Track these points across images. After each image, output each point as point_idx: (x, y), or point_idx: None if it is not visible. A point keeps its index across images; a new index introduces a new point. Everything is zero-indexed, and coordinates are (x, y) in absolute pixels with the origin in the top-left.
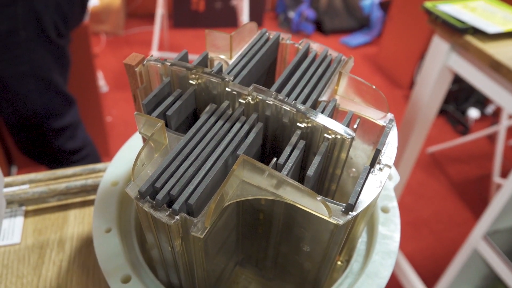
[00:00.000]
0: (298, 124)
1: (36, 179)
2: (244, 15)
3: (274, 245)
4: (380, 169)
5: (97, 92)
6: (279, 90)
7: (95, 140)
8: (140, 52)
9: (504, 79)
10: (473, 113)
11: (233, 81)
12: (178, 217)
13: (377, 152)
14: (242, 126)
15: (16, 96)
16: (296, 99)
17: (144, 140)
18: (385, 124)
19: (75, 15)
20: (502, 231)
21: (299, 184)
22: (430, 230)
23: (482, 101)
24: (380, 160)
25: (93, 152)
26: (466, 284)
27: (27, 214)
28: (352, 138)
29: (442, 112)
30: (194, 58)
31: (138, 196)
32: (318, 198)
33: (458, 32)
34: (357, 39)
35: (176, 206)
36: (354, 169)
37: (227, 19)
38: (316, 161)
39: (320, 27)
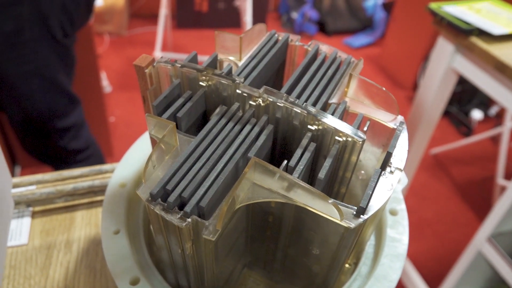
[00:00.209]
0: (309, 126)
1: (43, 180)
2: (247, 16)
3: (282, 248)
4: (391, 172)
5: (101, 92)
6: (289, 92)
7: (98, 140)
8: (143, 52)
9: (509, 80)
10: (477, 114)
11: (243, 82)
12: (189, 219)
13: (389, 155)
14: (252, 128)
15: (21, 95)
16: (306, 101)
17: (154, 141)
18: (395, 127)
19: (80, 15)
20: (507, 233)
21: (310, 186)
22: (433, 231)
23: (485, 103)
24: (391, 163)
25: (96, 152)
26: (470, 286)
27: (34, 215)
28: (363, 141)
29: (446, 113)
30: (199, 58)
31: (150, 198)
32: (329, 201)
33: (463, 34)
34: (360, 40)
35: (187, 208)
36: (363, 172)
37: (230, 19)
38: (327, 163)
39: (323, 28)
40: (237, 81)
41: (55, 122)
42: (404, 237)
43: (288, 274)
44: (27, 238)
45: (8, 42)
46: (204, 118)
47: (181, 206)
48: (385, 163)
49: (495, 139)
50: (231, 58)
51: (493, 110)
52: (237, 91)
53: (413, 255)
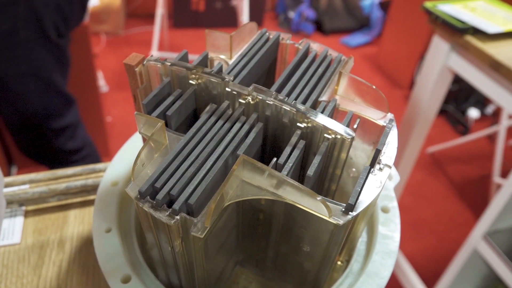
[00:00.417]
0: (298, 124)
1: (36, 179)
2: (244, 15)
3: (274, 245)
4: (380, 169)
5: (97, 92)
6: (279, 90)
7: (95, 140)
8: (140, 52)
9: (504, 79)
10: (473, 113)
11: (233, 81)
12: (178, 217)
13: (377, 152)
14: (242, 126)
15: (16, 96)
16: (296, 99)
17: (144, 140)
18: (385, 124)
19: (75, 15)
20: (502, 231)
21: (299, 184)
22: (430, 230)
23: (482, 101)
24: (380, 160)
25: (93, 152)
26: (466, 284)
27: (27, 214)
28: (352, 138)
29: (442, 112)
30: (194, 58)
31: (138, 196)
32: (318, 198)
33: (458, 32)
34: (357, 39)
35: (176, 206)
36: (354, 169)
37: (227, 19)
38: (316, 161)
39: (320, 27)
40: (227, 79)
41: (51, 123)
42: (396, 234)
43: (280, 271)
44: (20, 237)
45: (3, 42)
46: (194, 116)
47: (170, 204)
48: (374, 160)
49: (492, 138)
50: (222, 56)
51: (490, 109)
52: (227, 89)
53: (410, 254)
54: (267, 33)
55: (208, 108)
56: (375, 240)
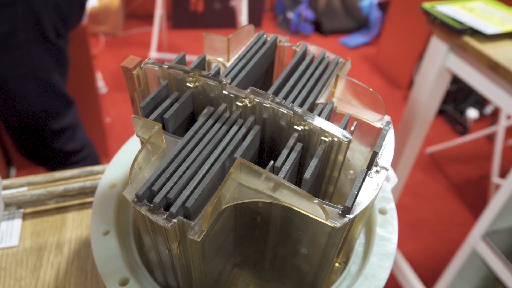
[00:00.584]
0: (295, 127)
1: (34, 181)
2: (243, 16)
3: (271, 247)
4: (377, 171)
5: (96, 93)
6: (276, 93)
7: (94, 141)
8: (139, 53)
9: (502, 79)
10: (472, 113)
11: (230, 84)
12: (175, 220)
13: (374, 155)
14: (239, 129)
15: (15, 97)
16: (293, 101)
17: (142, 143)
18: (382, 127)
19: (74, 16)
20: (501, 231)
21: (296, 187)
22: (429, 230)
23: (480, 101)
24: (377, 162)
25: (92, 153)
26: (465, 285)
27: (25, 216)
28: (349, 141)
29: (441, 112)
30: (193, 58)
31: (136, 199)
32: (315, 201)
33: (456, 33)
34: (356, 39)
35: (173, 209)
36: (351, 171)
37: (226, 19)
38: (313, 163)
39: (319, 28)
40: (224, 82)
41: (50, 124)
42: (394, 236)
43: (278, 274)
44: (18, 239)
45: (2, 44)
46: (192, 119)
47: (167, 207)
48: (371, 163)
49: (491, 138)
50: (219, 59)
51: (489, 109)
52: (224, 92)
53: (409, 254)
54: (265, 35)
55: (205, 111)
56: (373, 241)
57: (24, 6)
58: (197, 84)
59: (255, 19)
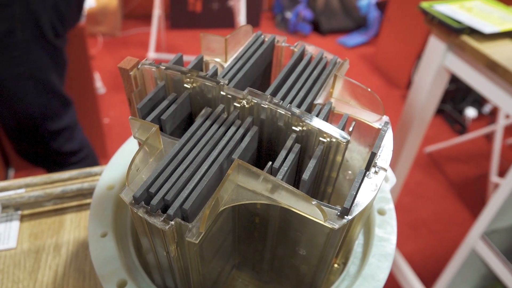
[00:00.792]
0: (293, 127)
1: (32, 183)
2: (241, 16)
3: (270, 249)
4: (376, 172)
5: (94, 94)
6: (274, 93)
7: (92, 142)
8: (137, 53)
9: (501, 79)
10: (471, 112)
11: (228, 84)
12: (172, 222)
13: (373, 155)
14: (237, 130)
15: (13, 98)
16: (291, 102)
17: (140, 144)
18: (380, 127)
19: (72, 15)
20: (500, 230)
21: (294, 188)
22: (428, 230)
23: (479, 101)
24: (376, 163)
25: (91, 154)
26: (464, 284)
27: (23, 218)
28: (347, 142)
29: (440, 111)
30: (191, 59)
31: (133, 201)
32: (313, 203)
33: (454, 32)
34: (354, 39)
35: (170, 211)
36: (350, 172)
37: (224, 19)
38: (311, 164)
39: (317, 28)
40: (221, 83)
41: (48, 124)
42: (392, 236)
43: (276, 275)
44: (16, 242)
45: (0, 44)
46: (189, 120)
47: (165, 209)
48: (370, 163)
49: (489, 137)
50: (217, 59)
51: (487, 108)
52: (222, 93)
53: (408, 254)
54: (263, 36)
55: (203, 112)
56: (372, 242)
57: (21, 5)
58: (194, 85)
59: (253, 19)
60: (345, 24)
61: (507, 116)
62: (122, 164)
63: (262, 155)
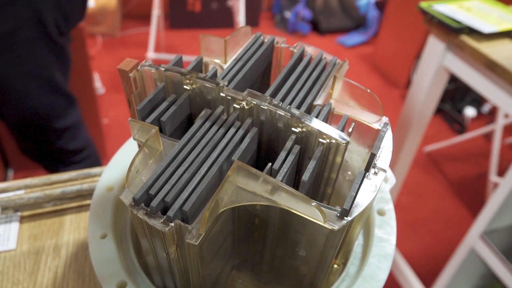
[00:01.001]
0: (293, 129)
1: (31, 184)
2: (240, 16)
3: (270, 250)
4: (375, 173)
5: (94, 94)
6: (273, 95)
7: None
8: (136, 53)
9: (500, 78)
10: (470, 111)
11: (227, 86)
12: (172, 224)
13: (372, 156)
14: (236, 131)
15: (19, 97)
16: (290, 103)
17: (139, 145)
18: (380, 128)
19: (75, 13)
20: (499, 230)
21: (293, 190)
22: (427, 229)
23: (478, 100)
24: (375, 164)
25: (93, 153)
26: (463, 283)
27: (22, 219)
28: (347, 143)
29: (439, 111)
30: (190, 59)
31: (133, 203)
32: (313, 204)
33: (453, 32)
34: (353, 38)
35: (170, 213)
36: (349, 172)
37: (223, 19)
38: (311, 166)
39: (316, 27)
40: (221, 84)
41: (53, 123)
42: (392, 237)
43: (276, 275)
44: (15, 243)
45: (5, 43)
46: (189, 122)
47: (165, 211)
48: (369, 165)
49: (488, 136)
50: (216, 61)
51: (486, 107)
52: (221, 94)
53: (407, 253)
54: (262, 37)
55: (202, 113)
56: (371, 243)
57: (25, 4)
58: (194, 86)
59: (252, 19)
60: (344, 23)
61: (506, 116)
62: (121, 165)
63: (262, 156)
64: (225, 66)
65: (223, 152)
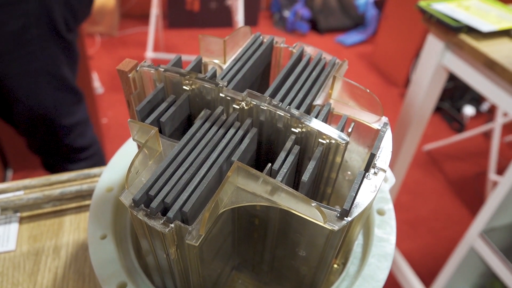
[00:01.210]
0: (293, 129)
1: (30, 185)
2: (239, 15)
3: (270, 250)
4: (375, 173)
5: (92, 94)
6: (273, 95)
7: None
8: (135, 52)
9: (499, 77)
10: (469, 110)
11: (227, 86)
12: (172, 225)
13: (372, 157)
14: (236, 132)
15: (28, 93)
16: (290, 103)
17: (139, 146)
18: (379, 128)
19: (83, 9)
20: (498, 228)
21: (293, 190)
22: (427, 228)
23: (477, 99)
24: (375, 164)
25: (99, 151)
26: (463, 282)
27: (22, 220)
28: (347, 143)
29: (438, 109)
30: (190, 58)
31: (132, 204)
32: (312, 204)
33: (452, 31)
34: (352, 37)
35: (170, 214)
36: (349, 172)
37: (222, 19)
38: (311, 166)
39: (315, 26)
40: (220, 85)
41: (62, 119)
42: (392, 237)
43: (276, 276)
44: (15, 244)
45: (16, 40)
46: (188, 122)
47: (164, 211)
48: (369, 165)
49: (487, 135)
50: (216, 61)
51: (485, 106)
52: (221, 94)
53: (407, 252)
54: (261, 37)
55: (202, 113)
56: (371, 242)
57: (35, 1)
58: (193, 87)
59: (251, 18)
60: (343, 22)
61: (505, 114)
62: (121, 165)
63: (262, 156)
64: (225, 67)
65: (223, 153)
